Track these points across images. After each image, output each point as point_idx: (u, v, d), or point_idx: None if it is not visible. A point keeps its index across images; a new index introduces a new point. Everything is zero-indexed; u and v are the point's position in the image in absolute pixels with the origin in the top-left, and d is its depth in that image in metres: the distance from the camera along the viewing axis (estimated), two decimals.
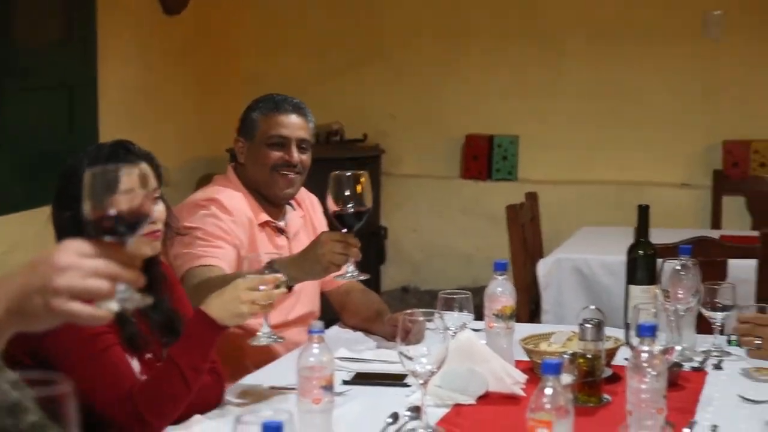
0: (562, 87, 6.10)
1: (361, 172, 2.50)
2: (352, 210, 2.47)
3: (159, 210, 2.31)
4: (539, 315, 4.38)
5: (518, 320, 4.27)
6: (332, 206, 2.48)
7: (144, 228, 1.33)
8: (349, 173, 2.48)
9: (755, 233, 4.54)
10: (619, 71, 5.98)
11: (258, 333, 2.27)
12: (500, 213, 4.50)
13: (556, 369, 1.76)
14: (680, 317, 2.69)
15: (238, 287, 2.20)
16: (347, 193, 2.46)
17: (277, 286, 2.21)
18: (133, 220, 1.30)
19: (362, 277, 2.57)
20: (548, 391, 1.75)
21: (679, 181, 5.94)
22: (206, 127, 6.01)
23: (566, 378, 2.32)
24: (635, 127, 5.97)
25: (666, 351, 2.34)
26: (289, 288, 2.47)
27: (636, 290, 2.84)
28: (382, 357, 2.66)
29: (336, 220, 2.51)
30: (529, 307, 4.45)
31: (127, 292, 1.26)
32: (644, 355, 2.02)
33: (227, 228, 2.87)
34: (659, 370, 2.01)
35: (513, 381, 2.38)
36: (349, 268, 2.53)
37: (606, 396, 2.36)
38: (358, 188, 2.46)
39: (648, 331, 2.04)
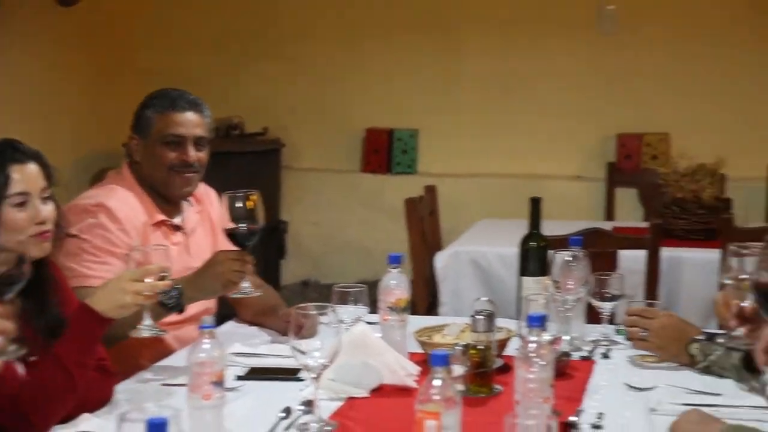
0: (460, 81, 6.16)
1: (253, 191, 2.62)
2: (246, 228, 2.59)
3: (49, 210, 2.27)
4: (437, 307, 4.43)
5: (416, 312, 4.35)
6: (226, 225, 2.60)
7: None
8: (240, 193, 2.60)
9: (647, 224, 4.67)
10: (517, 65, 6.07)
11: (140, 326, 2.27)
12: (400, 206, 4.54)
13: (444, 360, 1.78)
14: (570, 308, 2.76)
15: (121, 278, 2.19)
16: (240, 212, 2.58)
17: (162, 278, 2.22)
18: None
19: (256, 294, 2.69)
20: (436, 382, 1.77)
21: (575, 174, 6.06)
22: (103, 121, 5.92)
23: (458, 369, 2.36)
24: (532, 120, 6.07)
25: (554, 341, 2.39)
26: (180, 310, 2.49)
27: (528, 281, 2.89)
28: (277, 352, 2.65)
29: (230, 239, 2.62)
30: (427, 300, 4.50)
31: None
32: (532, 346, 2.05)
33: (115, 239, 2.81)
34: (546, 360, 2.05)
35: (406, 373, 2.40)
36: (245, 285, 2.64)
37: (497, 386, 2.40)
38: (250, 206, 2.59)
39: (536, 322, 2.08)
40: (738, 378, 2.44)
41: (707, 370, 2.54)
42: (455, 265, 4.42)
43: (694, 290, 4.03)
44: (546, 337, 2.21)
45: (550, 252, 2.87)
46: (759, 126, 5.51)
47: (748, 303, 1.94)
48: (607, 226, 4.65)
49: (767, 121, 5.50)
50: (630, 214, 5.74)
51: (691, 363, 2.57)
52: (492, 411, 2.27)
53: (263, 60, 6.38)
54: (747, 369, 2.05)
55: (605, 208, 5.86)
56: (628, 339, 2.70)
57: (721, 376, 2.50)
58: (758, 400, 2.30)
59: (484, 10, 6.10)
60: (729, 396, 2.37)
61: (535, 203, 2.95)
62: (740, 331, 1.96)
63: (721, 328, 2.00)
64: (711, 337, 2.58)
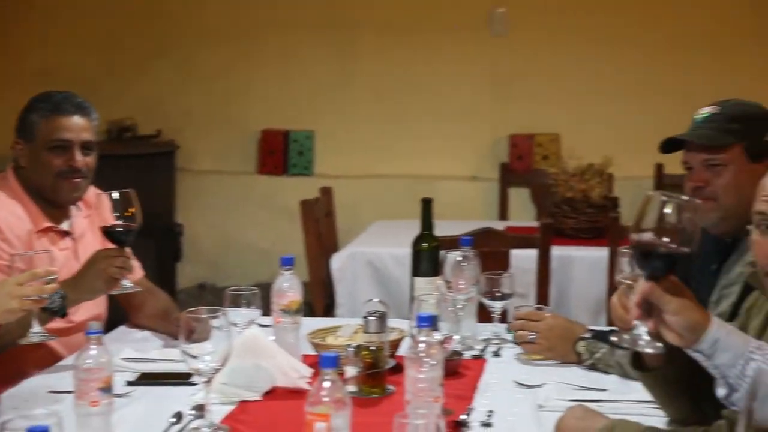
0: (355, 82, 6.19)
1: (129, 190, 2.64)
2: (123, 227, 2.63)
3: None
4: (334, 309, 4.44)
5: (314, 314, 4.36)
6: (104, 224, 2.66)
7: None
8: (117, 192, 2.62)
9: (538, 224, 4.75)
10: (411, 66, 6.12)
11: (29, 332, 2.24)
12: (297, 208, 4.54)
13: (333, 362, 1.79)
14: (461, 307, 2.80)
15: (7, 283, 2.15)
16: (117, 211, 2.62)
17: (48, 282, 2.19)
18: None
19: (136, 290, 2.73)
20: (326, 384, 1.78)
21: (469, 174, 6.13)
22: None
23: (351, 370, 2.38)
24: (427, 121, 6.12)
25: (445, 340, 2.42)
26: (63, 314, 2.46)
27: (420, 282, 2.91)
28: (169, 356, 2.63)
29: (109, 237, 2.66)
30: (324, 301, 4.51)
31: None
32: (421, 345, 2.08)
33: None
34: (436, 360, 2.07)
35: (299, 375, 2.41)
36: (125, 282, 2.67)
37: (390, 387, 2.41)
38: (128, 206, 2.62)
39: (425, 322, 2.11)
40: (622, 374, 2.51)
41: (593, 367, 2.60)
42: (351, 266, 4.44)
43: (584, 288, 4.13)
44: (436, 336, 2.24)
45: (442, 252, 2.90)
46: (645, 126, 5.64)
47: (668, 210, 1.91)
48: (501, 225, 4.73)
49: (653, 121, 5.63)
50: (523, 213, 5.84)
51: (578, 360, 2.63)
52: (384, 411, 2.28)
53: (156, 61, 6.31)
54: (635, 366, 2.11)
55: (499, 208, 5.95)
56: (517, 343, 2.74)
57: (606, 372, 2.57)
58: (642, 395, 2.36)
59: (378, 12, 6.14)
60: (613, 391, 2.44)
61: (426, 204, 2.98)
62: (643, 329, 1.94)
63: (610, 324, 2.05)
64: (597, 335, 2.64)
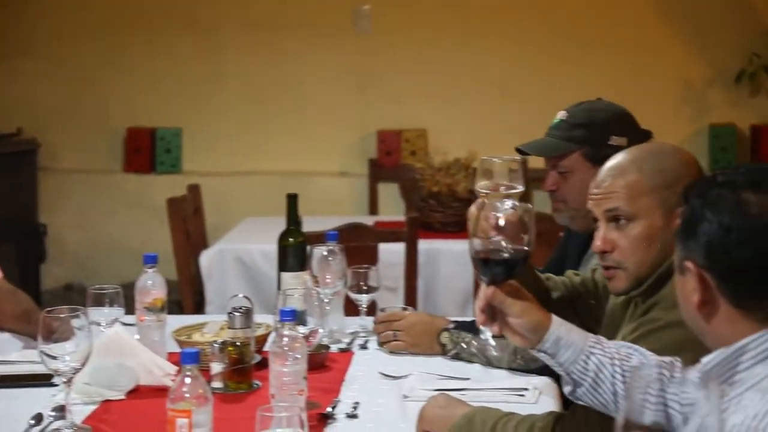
0: (222, 79, 6.15)
1: None
2: None
3: None
4: (204, 306, 4.42)
5: (184, 312, 4.32)
6: None
7: None
8: None
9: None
10: (278, 63, 6.11)
11: None
12: (165, 206, 4.48)
13: (193, 358, 1.78)
14: (328, 301, 2.82)
15: None
16: None
17: None
18: None
19: None
20: (187, 380, 1.78)
21: (338, 170, 6.16)
22: None
23: (216, 366, 2.38)
24: (295, 118, 6.12)
25: (310, 334, 2.44)
26: None
27: (287, 277, 2.92)
28: (30, 358, 2.57)
29: None
30: (194, 299, 4.47)
31: None
32: (285, 339, 2.09)
33: None
34: (300, 353, 2.09)
35: (163, 373, 2.39)
36: None
37: (257, 382, 2.41)
38: None
39: (288, 316, 2.12)
40: (485, 362, 2.57)
41: (457, 357, 2.65)
42: (220, 263, 4.42)
43: (452, 280, 4.19)
44: (302, 330, 2.25)
45: (309, 247, 2.91)
46: (510, 121, 5.76)
47: (502, 214, 1.94)
48: (371, 220, 4.77)
49: (517, 115, 5.77)
50: (392, 208, 5.89)
51: (443, 352, 2.68)
52: (250, 406, 2.27)
53: (16, 58, 6.15)
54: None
55: (369, 203, 5.99)
56: (381, 344, 2.77)
57: (470, 361, 2.62)
58: (504, 383, 2.43)
59: (244, 10, 6.10)
60: (476, 380, 2.49)
61: (292, 200, 2.99)
62: (489, 334, 1.99)
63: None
64: (460, 325, 2.69)
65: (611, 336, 2.01)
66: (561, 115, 2.70)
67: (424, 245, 4.06)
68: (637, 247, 1.99)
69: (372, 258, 3.77)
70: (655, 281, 1.98)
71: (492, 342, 1.79)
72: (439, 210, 4.51)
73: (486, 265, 1.77)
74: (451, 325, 2.70)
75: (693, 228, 1.52)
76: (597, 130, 2.64)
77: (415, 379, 2.47)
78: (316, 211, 5.24)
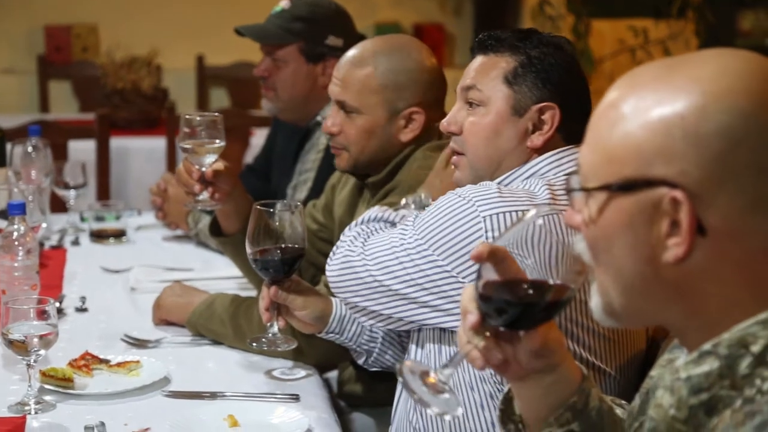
0: None
1: None
2: None
3: None
4: None
5: None
6: None
7: None
8: None
9: (87, 116, 4.67)
10: None
11: None
12: None
13: None
14: (34, 198, 2.72)
15: None
16: None
17: None
18: None
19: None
20: None
21: (5, 67, 5.82)
22: None
23: None
24: None
25: (32, 229, 2.36)
26: None
27: None
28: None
29: None
30: None
31: None
32: (15, 234, 2.02)
33: None
34: (31, 247, 2.03)
35: None
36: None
37: None
38: None
39: (16, 210, 2.05)
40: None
41: (197, 238, 2.70)
42: None
43: (142, 177, 4.13)
44: (27, 225, 2.18)
45: (9, 144, 2.78)
46: (191, 17, 5.69)
47: (206, 167, 2.10)
48: (45, 118, 4.57)
49: (196, 14, 5.70)
50: (65, 106, 5.66)
51: (188, 229, 2.74)
52: None
53: None
54: (214, 233, 2.24)
55: (39, 101, 5.70)
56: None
57: (206, 244, 2.67)
58: (226, 272, 2.48)
59: None
60: (199, 270, 2.54)
61: None
62: (205, 194, 2.13)
63: (187, 193, 2.14)
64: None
65: (348, 219, 2.12)
66: (284, 4, 2.69)
67: (113, 143, 3.96)
68: (359, 136, 2.10)
69: (62, 156, 3.64)
70: (392, 170, 2.09)
71: (280, 336, 1.87)
72: (125, 106, 4.40)
73: (266, 267, 1.83)
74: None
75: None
76: (316, 27, 2.67)
77: (139, 272, 2.47)
78: None
